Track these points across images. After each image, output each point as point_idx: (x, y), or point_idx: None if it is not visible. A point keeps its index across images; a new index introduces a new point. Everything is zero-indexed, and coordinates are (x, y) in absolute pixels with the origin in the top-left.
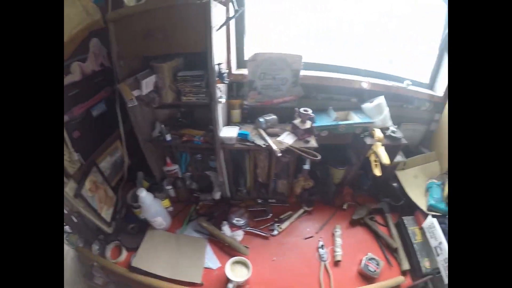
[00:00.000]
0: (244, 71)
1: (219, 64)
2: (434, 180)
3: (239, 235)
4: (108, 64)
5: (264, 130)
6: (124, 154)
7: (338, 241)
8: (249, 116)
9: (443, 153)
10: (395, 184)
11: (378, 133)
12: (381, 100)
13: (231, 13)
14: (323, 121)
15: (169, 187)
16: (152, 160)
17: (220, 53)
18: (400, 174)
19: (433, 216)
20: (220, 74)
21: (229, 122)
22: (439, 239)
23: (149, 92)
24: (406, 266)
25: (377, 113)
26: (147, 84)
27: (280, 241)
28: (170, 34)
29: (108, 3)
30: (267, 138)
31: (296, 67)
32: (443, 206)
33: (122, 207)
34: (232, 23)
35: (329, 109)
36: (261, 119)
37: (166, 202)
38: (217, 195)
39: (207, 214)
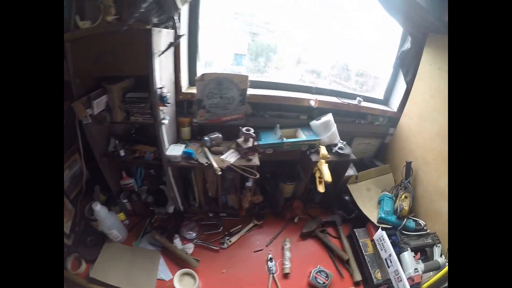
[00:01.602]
0: (194, 90)
1: (160, 88)
2: (387, 193)
3: (190, 248)
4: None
5: (209, 148)
6: (83, 167)
7: (287, 254)
8: (199, 133)
9: (397, 166)
10: (347, 197)
11: (323, 151)
12: (328, 117)
13: (180, 34)
14: (269, 139)
15: (125, 200)
16: (109, 174)
17: (167, 74)
18: (352, 188)
19: (383, 228)
20: (162, 97)
21: (178, 139)
22: (388, 251)
23: (101, 111)
24: (358, 277)
25: (325, 130)
26: (99, 104)
27: (230, 254)
28: (119, 58)
29: (70, 23)
30: (210, 156)
31: (243, 87)
32: (393, 219)
33: (80, 219)
34: (184, 43)
35: (276, 127)
36: (206, 138)
37: (121, 216)
38: (171, 209)
39: (161, 227)
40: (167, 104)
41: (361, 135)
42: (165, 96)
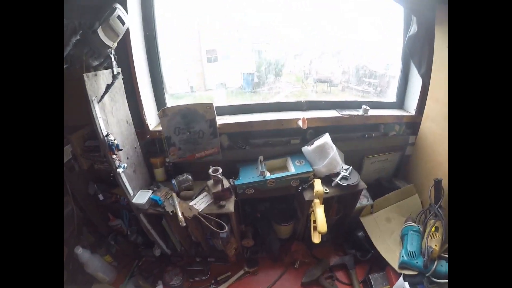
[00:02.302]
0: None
1: (106, 135)
2: (412, 224)
3: None
4: None
5: (178, 193)
6: (74, 208)
7: None
8: (176, 173)
9: (423, 183)
10: (360, 234)
11: (317, 187)
12: (323, 140)
13: (116, 74)
14: (249, 176)
15: (112, 241)
16: (95, 216)
17: (121, 117)
18: (366, 221)
19: (406, 276)
20: (109, 145)
21: (153, 181)
22: None
23: (68, 160)
24: None
25: (320, 157)
26: (66, 153)
27: None
28: (70, 106)
29: None
30: (176, 203)
31: (210, 117)
32: (420, 263)
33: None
34: (145, 77)
35: (258, 159)
36: (173, 181)
37: (108, 258)
38: (157, 252)
39: (147, 271)
40: (117, 152)
41: (373, 151)
42: (112, 144)
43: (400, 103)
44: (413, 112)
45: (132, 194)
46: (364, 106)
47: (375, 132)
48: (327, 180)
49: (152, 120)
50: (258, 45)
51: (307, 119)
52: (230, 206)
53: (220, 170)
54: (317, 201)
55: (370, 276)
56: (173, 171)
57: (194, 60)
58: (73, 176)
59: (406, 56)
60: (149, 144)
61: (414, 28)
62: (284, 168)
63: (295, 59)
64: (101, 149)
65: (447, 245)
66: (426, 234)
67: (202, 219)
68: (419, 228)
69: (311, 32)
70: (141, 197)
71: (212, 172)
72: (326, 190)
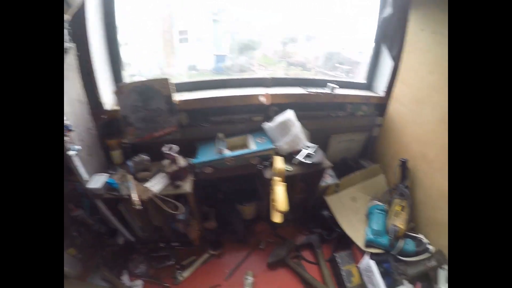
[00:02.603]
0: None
1: None
2: (377, 202)
3: (138, 285)
4: None
5: (134, 175)
6: None
7: None
8: (134, 155)
9: (389, 164)
10: (325, 213)
11: (277, 164)
12: (285, 116)
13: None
14: (207, 154)
15: (74, 233)
16: None
17: (72, 96)
18: (332, 200)
19: (373, 255)
20: None
21: (110, 164)
22: (378, 287)
23: None
24: None
25: (282, 133)
26: None
27: None
28: None
29: None
30: (132, 186)
31: (167, 93)
32: (386, 241)
33: None
34: (103, 55)
35: (218, 137)
36: (128, 163)
37: (71, 251)
38: (121, 240)
39: (112, 261)
40: (67, 133)
41: (340, 131)
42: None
43: (369, 85)
44: (381, 94)
45: (86, 179)
46: (331, 84)
47: (342, 112)
48: (290, 158)
49: (109, 100)
50: (231, 27)
51: (271, 95)
52: (187, 186)
53: (175, 148)
54: (277, 179)
55: (336, 255)
56: (131, 153)
57: (165, 41)
58: None
59: (378, 38)
60: (107, 126)
61: (388, 10)
62: (245, 146)
63: (269, 42)
64: None
65: (413, 224)
66: (391, 213)
67: (158, 201)
68: (385, 207)
69: (286, 16)
70: (96, 182)
71: (167, 150)
72: (288, 168)
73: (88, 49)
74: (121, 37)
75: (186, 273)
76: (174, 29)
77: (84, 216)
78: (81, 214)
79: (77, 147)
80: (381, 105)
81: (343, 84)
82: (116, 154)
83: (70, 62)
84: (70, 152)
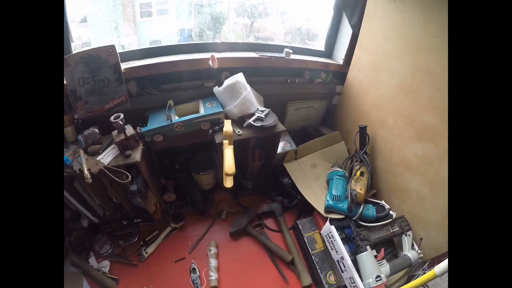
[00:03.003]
0: None
1: None
2: (337, 169)
3: (106, 265)
4: None
5: (85, 149)
6: None
7: (212, 262)
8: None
9: (349, 131)
10: (285, 180)
11: (226, 127)
12: (234, 78)
13: None
14: (156, 122)
15: None
16: None
17: None
18: (291, 166)
19: (333, 220)
20: None
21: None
22: (340, 252)
23: None
24: (307, 281)
25: (231, 97)
26: None
27: (149, 266)
28: None
29: None
30: (83, 160)
31: (114, 61)
32: (346, 206)
33: None
34: None
35: (168, 103)
36: (79, 137)
37: None
38: (85, 223)
39: (79, 245)
40: None
41: (297, 98)
42: None
43: (328, 53)
44: (341, 62)
45: None
46: (286, 49)
47: (299, 78)
48: (241, 122)
49: None
50: None
51: (220, 58)
52: (136, 155)
53: (122, 116)
54: (225, 141)
55: (298, 222)
56: (83, 128)
57: (126, 14)
58: None
59: (338, 5)
60: None
61: None
62: (196, 112)
63: (237, 16)
64: None
65: (374, 191)
66: (352, 177)
67: (108, 172)
68: (345, 173)
69: None
70: None
71: (113, 119)
72: (239, 131)
73: None
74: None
75: (150, 249)
76: (136, 1)
77: None
78: None
79: None
80: (340, 73)
81: (301, 51)
82: (68, 131)
83: None
84: None
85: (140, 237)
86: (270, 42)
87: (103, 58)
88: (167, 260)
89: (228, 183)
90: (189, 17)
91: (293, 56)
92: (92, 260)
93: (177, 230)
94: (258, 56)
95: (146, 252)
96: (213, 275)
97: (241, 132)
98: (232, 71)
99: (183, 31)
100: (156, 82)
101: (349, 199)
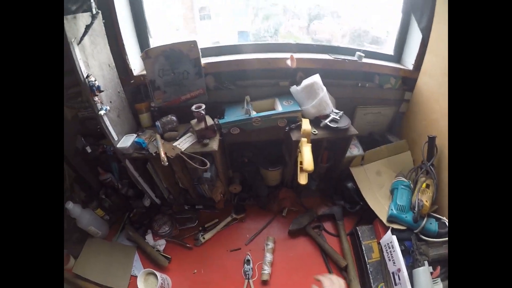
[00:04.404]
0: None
1: (87, 77)
2: (402, 178)
3: (161, 244)
4: None
5: (162, 134)
6: (65, 166)
7: (268, 256)
8: (162, 117)
9: (417, 142)
10: (349, 184)
11: (304, 125)
12: (312, 79)
13: (94, 14)
14: (234, 115)
15: (103, 196)
16: (86, 171)
17: (102, 60)
18: (356, 172)
19: (394, 230)
20: (90, 87)
21: (139, 127)
22: (398, 264)
23: None
24: None
25: (309, 97)
26: None
27: (204, 252)
28: None
29: None
30: (160, 144)
31: (194, 56)
32: (409, 218)
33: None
34: (127, 20)
35: (245, 99)
36: (157, 123)
37: (99, 211)
38: (147, 202)
39: (138, 222)
40: (98, 93)
41: (367, 102)
42: (93, 85)
43: (397, 57)
44: (410, 67)
45: (116, 139)
46: (358, 53)
47: (369, 83)
48: (316, 122)
49: (136, 65)
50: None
51: (297, 59)
52: (213, 144)
53: (203, 106)
54: (304, 139)
55: (357, 228)
56: (159, 116)
57: (186, 18)
58: None
59: (407, 8)
60: (135, 92)
61: None
62: (272, 109)
63: (293, 18)
64: (83, 93)
65: (436, 207)
66: (416, 190)
67: (185, 157)
68: (410, 184)
69: None
70: (125, 142)
71: (195, 108)
72: (314, 131)
73: (114, 16)
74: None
75: (207, 235)
76: (195, 6)
77: (113, 180)
78: (110, 178)
79: (106, 107)
80: (410, 79)
81: (370, 55)
82: (145, 118)
83: (99, 28)
84: (101, 112)
85: (199, 223)
86: (340, 44)
87: (184, 52)
88: (222, 248)
89: (303, 179)
90: (246, 19)
91: (364, 60)
92: (149, 237)
93: (237, 221)
94: (332, 58)
95: (204, 238)
96: (267, 269)
97: (316, 132)
98: (307, 72)
99: (242, 33)
100: (233, 78)
101: (416, 209)
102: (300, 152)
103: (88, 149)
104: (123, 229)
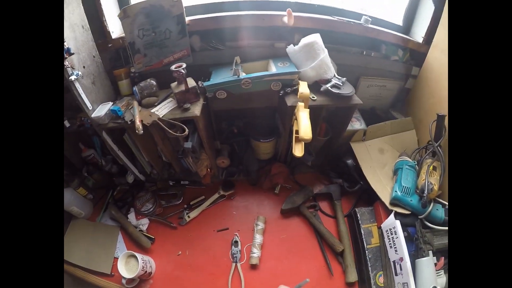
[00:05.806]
0: None
1: None
2: (406, 158)
3: (144, 223)
4: None
5: (139, 101)
6: None
7: (258, 238)
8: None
9: (423, 120)
10: (349, 161)
11: (302, 88)
12: (312, 38)
13: None
14: (220, 77)
15: (85, 174)
16: (66, 148)
17: (74, 21)
18: (358, 147)
19: (398, 215)
20: None
21: (118, 95)
22: (400, 252)
23: None
24: (352, 277)
25: (307, 57)
26: None
27: (189, 232)
28: None
29: None
30: (136, 111)
31: (177, 11)
32: (415, 202)
33: None
34: None
35: (235, 60)
36: (134, 88)
37: (82, 190)
38: (130, 179)
39: (121, 200)
40: (67, 56)
41: (372, 73)
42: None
43: (406, 29)
44: (420, 40)
45: (90, 108)
46: (364, 17)
47: (375, 52)
48: (315, 87)
49: (116, 28)
50: None
51: (296, 16)
52: (195, 109)
53: (184, 65)
54: (301, 104)
55: (356, 210)
56: (140, 82)
57: None
58: None
59: None
60: (115, 58)
61: None
62: (265, 71)
63: None
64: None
65: (440, 192)
66: (424, 172)
67: (162, 125)
68: (415, 164)
69: None
70: (100, 111)
71: (174, 68)
72: (313, 96)
73: None
74: None
75: (193, 214)
76: None
77: (96, 156)
78: (93, 154)
79: (78, 72)
80: (418, 53)
81: (378, 22)
82: (124, 85)
83: None
84: (71, 77)
85: (184, 200)
86: (345, 8)
87: (166, 8)
88: (208, 227)
89: (298, 151)
90: None
91: (371, 25)
92: (132, 217)
93: (224, 198)
94: (336, 19)
95: (188, 216)
96: (256, 252)
97: (315, 98)
98: (306, 33)
99: None
100: (222, 37)
101: (425, 193)
102: (296, 119)
103: (67, 124)
104: (106, 208)
